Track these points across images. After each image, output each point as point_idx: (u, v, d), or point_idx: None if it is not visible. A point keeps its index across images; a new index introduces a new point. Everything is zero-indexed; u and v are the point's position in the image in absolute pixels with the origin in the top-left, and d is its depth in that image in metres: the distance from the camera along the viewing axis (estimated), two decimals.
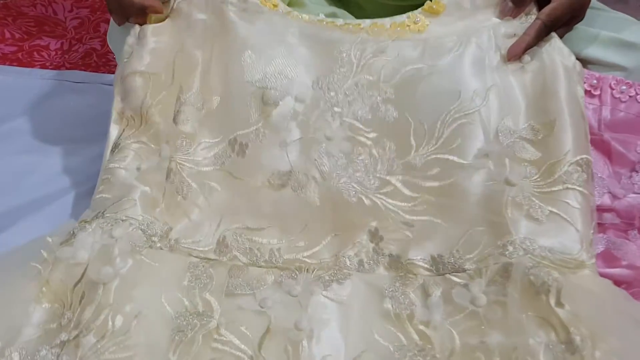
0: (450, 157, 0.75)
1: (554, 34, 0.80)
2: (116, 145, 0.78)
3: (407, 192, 0.76)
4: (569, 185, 0.72)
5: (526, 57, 0.79)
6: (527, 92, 0.78)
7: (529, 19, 0.81)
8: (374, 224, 0.75)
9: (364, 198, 0.75)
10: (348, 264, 0.73)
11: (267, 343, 0.64)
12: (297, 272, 0.71)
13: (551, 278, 0.64)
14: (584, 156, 0.74)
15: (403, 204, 0.75)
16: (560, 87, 0.76)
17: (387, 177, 0.76)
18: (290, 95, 0.79)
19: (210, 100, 0.80)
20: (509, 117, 0.76)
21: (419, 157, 0.76)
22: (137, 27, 0.83)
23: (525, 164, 0.74)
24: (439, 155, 0.75)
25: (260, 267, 0.73)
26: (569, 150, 0.73)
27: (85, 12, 1.41)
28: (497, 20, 0.82)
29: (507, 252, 0.69)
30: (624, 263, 0.78)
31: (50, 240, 0.70)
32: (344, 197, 0.76)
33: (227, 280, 0.70)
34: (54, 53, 1.31)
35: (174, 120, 0.78)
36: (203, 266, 0.71)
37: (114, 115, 0.80)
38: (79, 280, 0.66)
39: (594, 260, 0.70)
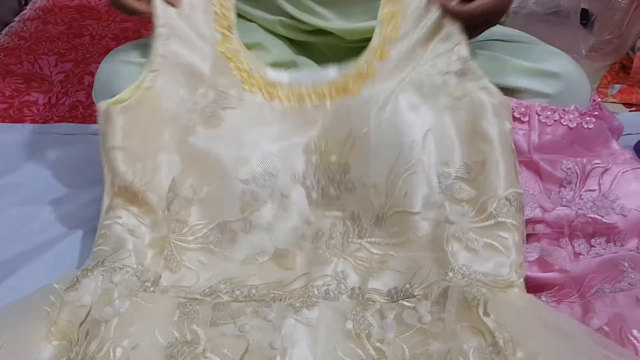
0: (403, 209, 0.84)
1: (483, 76, 0.86)
2: (110, 208, 0.87)
3: (374, 250, 0.85)
4: (500, 219, 0.81)
5: (456, 94, 0.85)
6: (460, 132, 0.85)
7: (459, 55, 0.86)
8: (339, 268, 0.84)
9: (336, 259, 0.85)
10: (316, 293, 0.81)
11: None
12: (272, 302, 0.79)
13: (480, 293, 0.74)
14: (512, 190, 0.82)
15: (371, 260, 0.85)
16: (491, 126, 0.84)
17: (359, 241, 0.86)
18: (275, 191, 0.88)
19: (201, 191, 0.89)
20: (446, 158, 0.84)
21: (381, 217, 0.85)
22: (102, 104, 0.88)
23: (463, 203, 0.83)
24: (394, 209, 0.84)
25: (240, 302, 0.81)
26: (499, 187, 0.82)
27: (69, 65, 1.48)
28: (435, 52, 0.87)
29: (447, 278, 0.79)
30: (556, 268, 0.86)
31: (57, 286, 0.79)
32: (320, 260, 0.85)
33: (212, 313, 0.78)
34: (42, 107, 1.36)
35: (168, 209, 0.87)
36: (190, 304, 0.80)
37: (106, 184, 0.88)
38: (84, 320, 0.76)
39: (522, 280, 0.79)
